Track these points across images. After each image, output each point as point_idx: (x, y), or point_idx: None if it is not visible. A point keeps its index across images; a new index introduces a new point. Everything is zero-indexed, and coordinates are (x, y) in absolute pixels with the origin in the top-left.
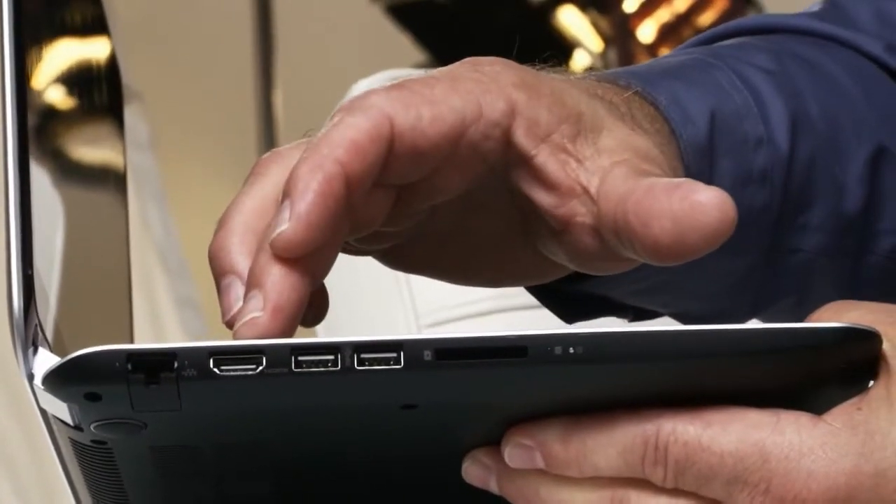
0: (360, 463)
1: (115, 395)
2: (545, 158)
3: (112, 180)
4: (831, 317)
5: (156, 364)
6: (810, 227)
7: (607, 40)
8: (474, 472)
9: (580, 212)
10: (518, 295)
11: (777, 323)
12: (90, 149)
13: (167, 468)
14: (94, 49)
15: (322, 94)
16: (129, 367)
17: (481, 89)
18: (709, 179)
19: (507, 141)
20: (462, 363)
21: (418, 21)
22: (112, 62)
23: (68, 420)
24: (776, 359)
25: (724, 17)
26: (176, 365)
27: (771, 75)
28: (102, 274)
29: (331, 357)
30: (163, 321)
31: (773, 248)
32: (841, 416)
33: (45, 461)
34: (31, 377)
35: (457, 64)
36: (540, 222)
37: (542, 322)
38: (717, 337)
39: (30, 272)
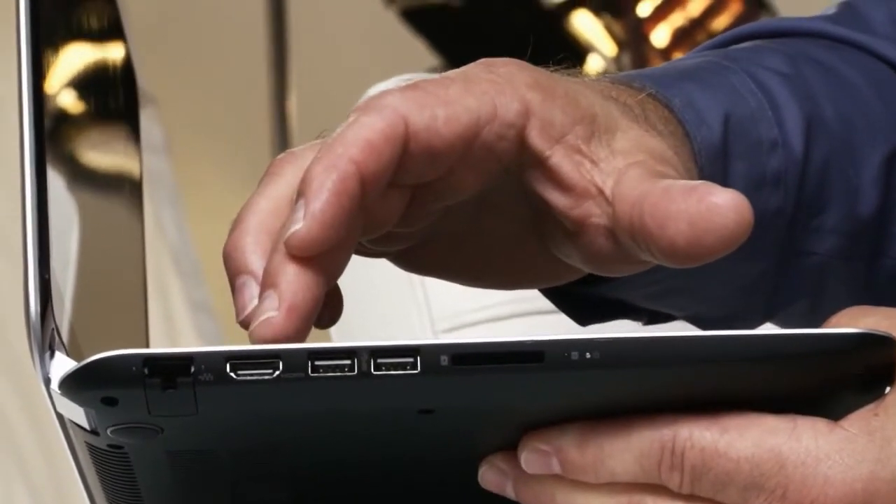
0: (375, 467)
1: (132, 400)
2: (560, 159)
3: (128, 184)
4: (847, 322)
5: (172, 368)
6: (824, 230)
7: (621, 44)
8: (490, 477)
9: (595, 213)
10: (533, 299)
11: (793, 328)
12: (106, 152)
13: (183, 472)
14: (110, 52)
15: (336, 97)
16: (146, 371)
17: (496, 90)
18: (722, 182)
19: (522, 142)
20: (479, 368)
21: (432, 25)
22: (128, 65)
23: (85, 424)
24: (793, 364)
25: (738, 20)
26: (193, 369)
27: (786, 78)
28: (118, 277)
29: (347, 362)
30: (176, 325)
31: (787, 252)
32: (858, 421)
33: (58, 463)
34: (47, 381)
35: (471, 65)
36: (554, 224)
37: (557, 327)
38: (733, 342)
39: (47, 276)
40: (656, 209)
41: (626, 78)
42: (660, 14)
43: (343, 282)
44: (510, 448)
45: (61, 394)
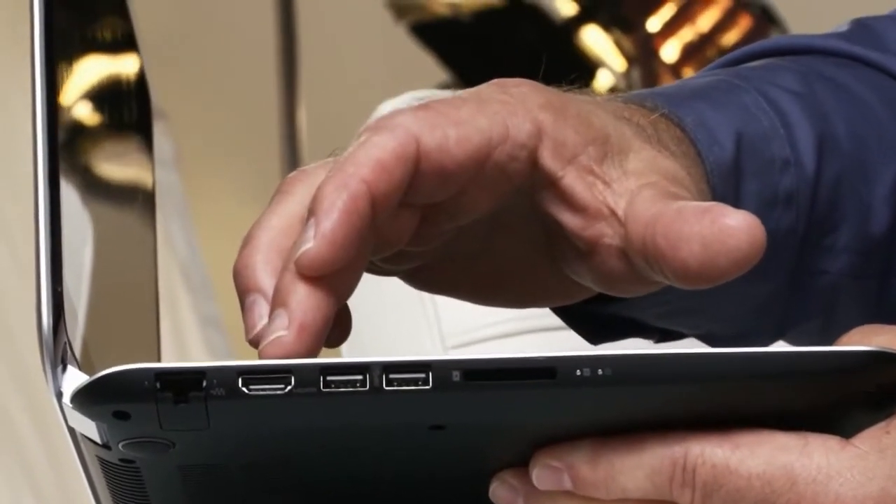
0: (386, 483)
1: (144, 414)
2: (572, 180)
3: (140, 197)
4: (859, 340)
5: (185, 383)
6: (836, 249)
7: (630, 60)
8: (502, 493)
9: (607, 234)
10: (544, 316)
11: (806, 346)
12: (119, 165)
13: (195, 487)
14: (124, 65)
15: (346, 112)
16: (158, 385)
17: (508, 111)
18: (734, 201)
19: (534, 162)
20: (490, 384)
21: (442, 40)
22: (141, 79)
23: (96, 438)
24: (804, 382)
25: (748, 36)
26: (205, 384)
27: (798, 97)
28: (130, 291)
29: (359, 377)
30: (186, 339)
31: (799, 270)
32: (869, 439)
33: (67, 476)
34: (59, 395)
35: (483, 85)
36: (566, 244)
37: (568, 343)
38: (745, 360)
39: (59, 289)
40: (669, 230)
41: (639, 97)
42: (669, 29)
43: (353, 298)
44: (521, 464)
45: (73, 408)
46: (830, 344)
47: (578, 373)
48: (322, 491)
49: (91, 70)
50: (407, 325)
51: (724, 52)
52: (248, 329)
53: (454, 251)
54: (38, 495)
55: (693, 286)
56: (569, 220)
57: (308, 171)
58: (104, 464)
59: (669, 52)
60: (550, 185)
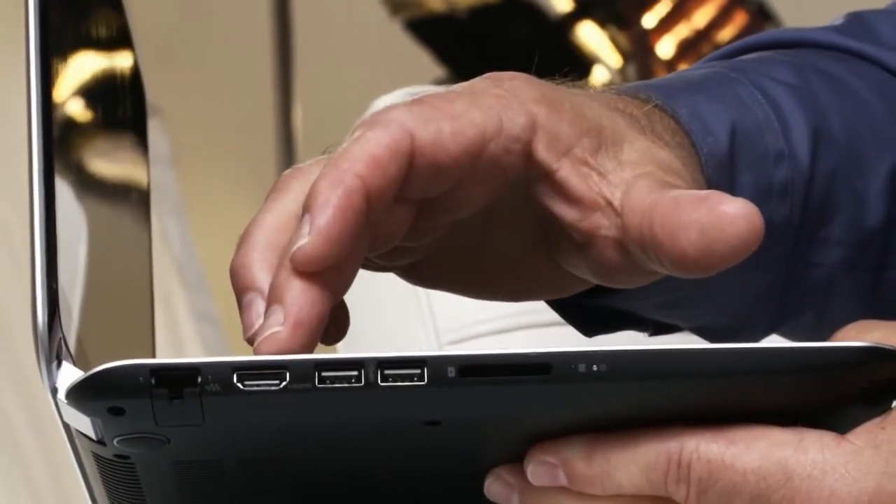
0: (382, 479)
1: (139, 410)
2: (567, 172)
3: (135, 194)
4: (854, 336)
5: (179, 379)
6: (831, 242)
7: (626, 56)
8: (497, 489)
9: (604, 225)
10: (539, 311)
11: (800, 341)
12: (114, 162)
13: (189, 483)
14: (118, 61)
15: (341, 108)
16: (153, 381)
17: (502, 104)
18: (729, 192)
19: (529, 155)
20: (486, 380)
21: (438, 36)
22: (136, 75)
23: (91, 434)
24: (799, 377)
25: (743, 32)
26: (199, 380)
27: (793, 89)
28: (125, 287)
29: (354, 373)
30: (181, 335)
31: (793, 263)
32: (864, 435)
33: (63, 472)
34: (54, 391)
35: (477, 79)
36: (562, 236)
37: (564, 339)
38: (740, 355)
39: (54, 285)
40: (666, 219)
41: (632, 89)
42: (665, 25)
43: (348, 294)
44: (516, 460)
45: (68, 404)
46: (825, 339)
47: (574, 368)
48: (317, 486)
49: (85, 66)
50: (402, 321)
51: (719, 48)
52: (245, 328)
53: (450, 246)
54: (34, 491)
55: (691, 275)
56: (565, 212)
57: (303, 168)
58: (99, 460)
59: (665, 48)
60: (545, 177)
